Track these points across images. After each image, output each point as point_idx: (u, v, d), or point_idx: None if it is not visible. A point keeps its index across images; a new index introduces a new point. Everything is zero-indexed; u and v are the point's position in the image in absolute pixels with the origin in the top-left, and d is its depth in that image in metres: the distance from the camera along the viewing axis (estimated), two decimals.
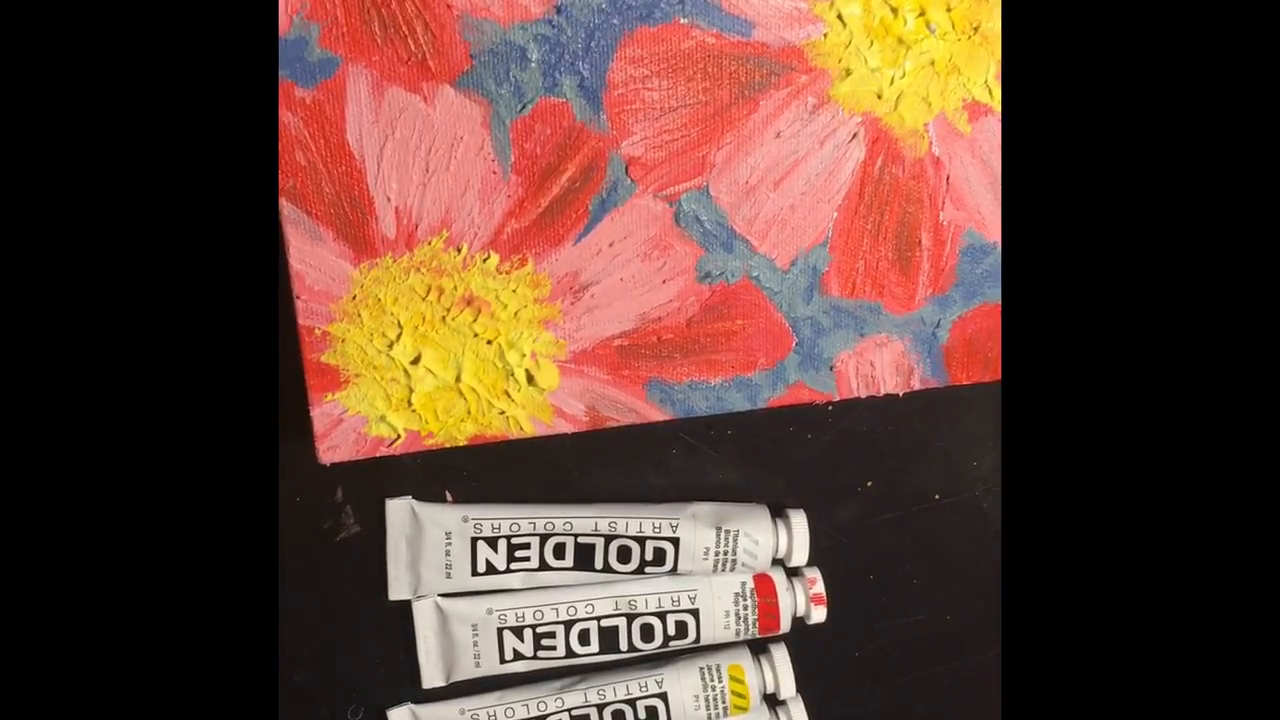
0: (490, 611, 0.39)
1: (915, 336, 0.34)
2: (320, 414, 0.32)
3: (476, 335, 0.32)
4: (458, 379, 0.33)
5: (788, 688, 0.40)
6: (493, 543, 0.38)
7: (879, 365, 0.35)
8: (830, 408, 0.40)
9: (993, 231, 0.33)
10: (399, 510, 0.39)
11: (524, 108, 0.31)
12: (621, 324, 0.33)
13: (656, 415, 0.34)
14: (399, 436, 0.33)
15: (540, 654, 0.39)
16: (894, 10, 0.31)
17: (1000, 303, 0.34)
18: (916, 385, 0.35)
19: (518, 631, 0.39)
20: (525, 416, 0.33)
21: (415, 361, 0.32)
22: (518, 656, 0.39)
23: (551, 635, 0.39)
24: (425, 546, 0.38)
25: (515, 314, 0.32)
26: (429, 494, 0.39)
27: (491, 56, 0.30)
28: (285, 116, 0.30)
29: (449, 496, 0.39)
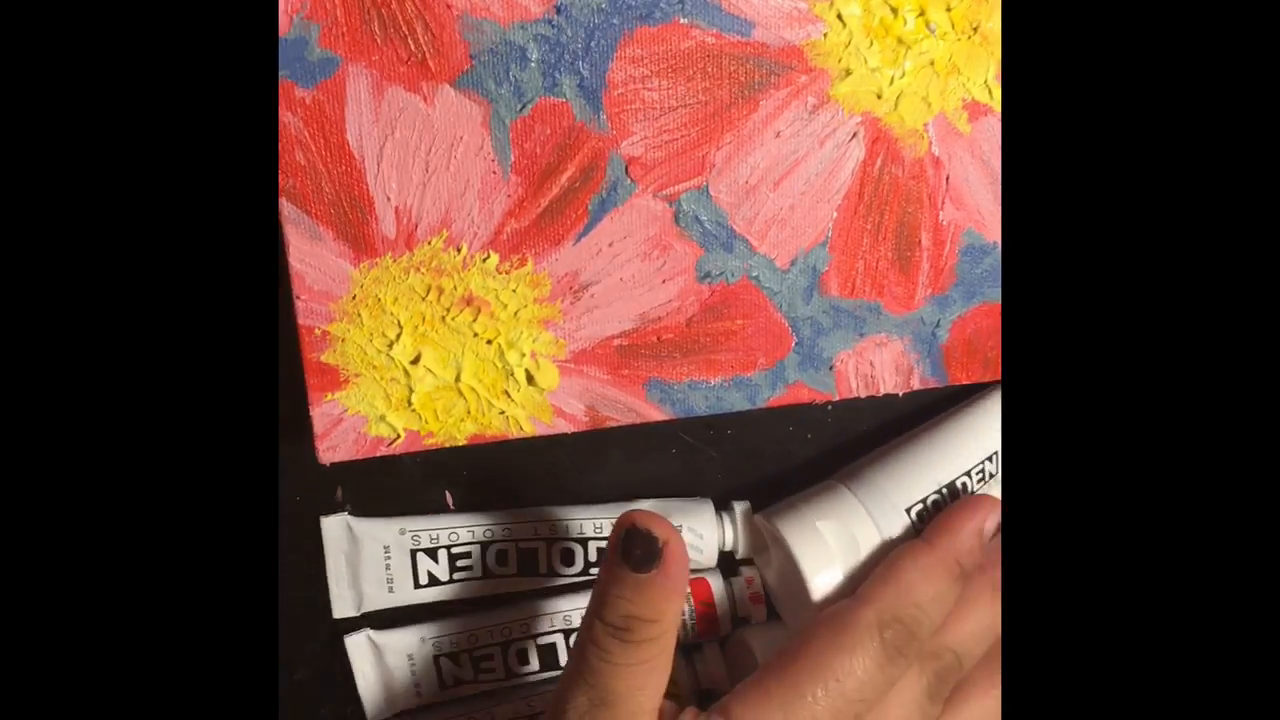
0: (425, 640, 0.39)
1: (915, 336, 0.34)
2: (320, 414, 0.32)
3: (476, 335, 0.32)
4: (457, 379, 0.33)
5: (722, 683, 0.40)
6: (433, 553, 0.38)
7: (879, 365, 0.35)
8: (830, 408, 0.40)
9: (992, 231, 0.33)
10: (335, 527, 0.38)
11: (524, 108, 0.31)
12: (621, 324, 0.33)
13: (656, 415, 0.34)
14: (399, 436, 0.33)
15: (481, 677, 0.39)
16: (894, 10, 0.31)
17: (1000, 302, 0.34)
18: (916, 385, 0.35)
19: (454, 657, 0.39)
20: (525, 416, 0.33)
21: (415, 361, 0.32)
22: (458, 682, 0.39)
23: (489, 658, 0.39)
24: (364, 562, 0.38)
25: (515, 314, 0.32)
26: (429, 494, 0.39)
27: (491, 56, 0.30)
28: (285, 116, 0.30)
29: (449, 497, 0.39)
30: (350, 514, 0.38)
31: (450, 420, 0.33)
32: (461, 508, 0.40)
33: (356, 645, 0.39)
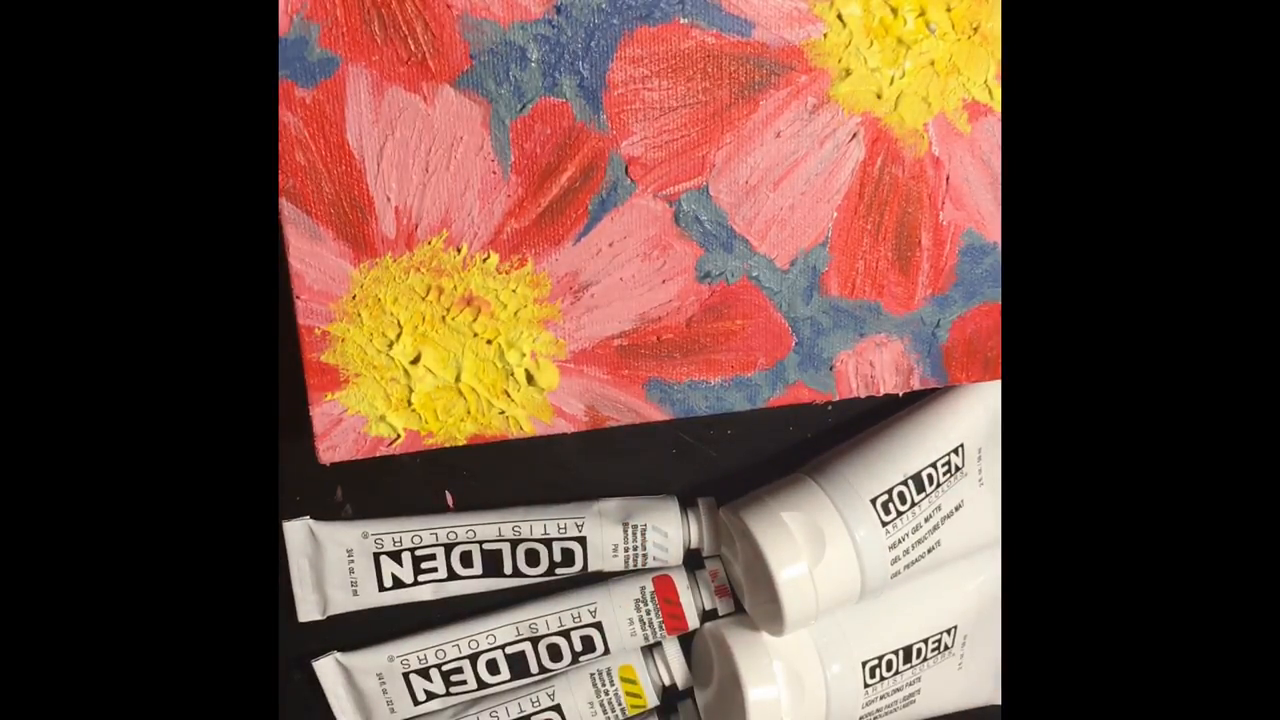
0: (392, 659, 0.39)
1: (915, 336, 0.34)
2: (320, 414, 0.32)
3: (476, 335, 0.32)
4: (457, 379, 0.33)
5: (682, 678, 0.40)
6: (396, 556, 0.38)
7: (878, 365, 0.35)
8: (830, 408, 0.40)
9: (992, 231, 0.33)
10: (297, 532, 0.38)
11: (524, 108, 0.31)
12: (621, 324, 0.33)
13: (656, 415, 0.34)
14: (399, 436, 0.33)
15: (453, 690, 0.39)
16: (894, 10, 0.31)
17: (1000, 302, 0.34)
18: (916, 385, 0.35)
19: (424, 673, 0.38)
20: (525, 416, 0.33)
21: (415, 361, 0.32)
22: (430, 696, 0.39)
23: (459, 671, 0.38)
24: (328, 566, 0.38)
25: (515, 314, 0.32)
26: (429, 494, 0.39)
27: (491, 56, 0.30)
28: (285, 116, 0.30)
29: (449, 497, 0.39)
30: (313, 518, 0.38)
31: (450, 420, 0.33)
32: (462, 507, 0.40)
33: (325, 668, 0.39)
